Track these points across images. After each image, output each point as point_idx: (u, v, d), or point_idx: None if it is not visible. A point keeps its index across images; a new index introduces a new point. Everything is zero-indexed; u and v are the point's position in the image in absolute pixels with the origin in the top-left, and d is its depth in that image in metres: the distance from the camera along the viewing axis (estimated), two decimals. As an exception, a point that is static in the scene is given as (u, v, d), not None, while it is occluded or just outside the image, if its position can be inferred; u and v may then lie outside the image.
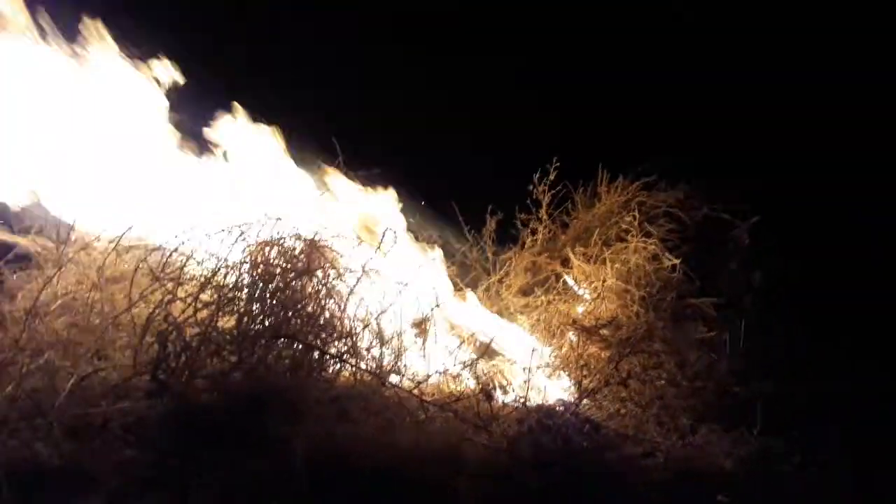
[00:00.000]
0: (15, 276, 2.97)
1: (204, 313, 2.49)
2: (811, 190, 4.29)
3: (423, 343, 3.00)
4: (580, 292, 3.76)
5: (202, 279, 2.53)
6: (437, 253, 3.74)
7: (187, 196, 3.10)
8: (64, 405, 2.19)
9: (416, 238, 4.27)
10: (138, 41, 3.28)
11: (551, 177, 4.06)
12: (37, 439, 2.06)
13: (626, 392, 3.00)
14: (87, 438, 2.13)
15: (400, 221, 3.68)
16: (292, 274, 2.64)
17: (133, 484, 2.00)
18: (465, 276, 4.23)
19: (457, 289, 3.82)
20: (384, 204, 3.79)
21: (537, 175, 4.09)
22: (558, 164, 4.03)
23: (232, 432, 2.20)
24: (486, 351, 3.02)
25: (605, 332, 3.20)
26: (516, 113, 4.98)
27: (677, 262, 3.66)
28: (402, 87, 4.97)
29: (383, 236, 2.98)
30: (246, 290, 2.58)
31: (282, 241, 2.71)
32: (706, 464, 2.43)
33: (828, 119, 4.48)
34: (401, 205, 3.80)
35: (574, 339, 3.25)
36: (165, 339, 2.32)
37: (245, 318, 2.53)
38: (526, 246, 4.22)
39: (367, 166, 4.51)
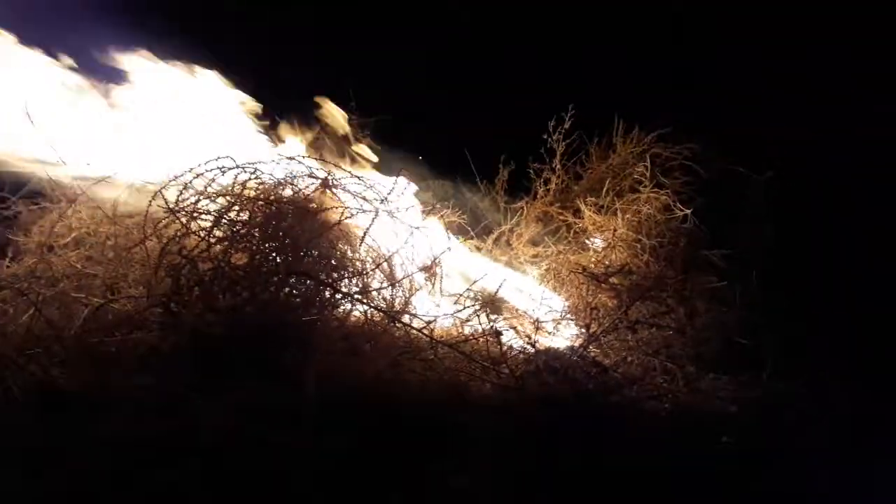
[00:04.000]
0: (29, 211, 2.99)
1: (217, 249, 2.50)
2: (826, 145, 4.24)
3: (433, 286, 3.01)
4: (595, 244, 3.75)
5: (215, 214, 2.53)
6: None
7: (200, 132, 3.09)
8: (79, 334, 2.23)
9: (428, 186, 4.29)
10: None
11: (566, 126, 4.02)
12: (53, 365, 2.11)
13: (633, 340, 3.02)
14: (102, 366, 2.18)
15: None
16: (305, 213, 2.64)
17: (146, 410, 2.04)
18: (476, 225, 4.22)
19: (467, 237, 3.83)
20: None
21: (552, 124, 4.05)
22: (574, 112, 3.98)
23: (243, 365, 2.23)
24: (496, 295, 3.02)
25: (614, 279, 3.20)
26: (531, 60, 4.90)
27: (688, 212, 3.64)
28: (413, 34, 4.89)
29: (396, 180, 2.97)
30: (258, 228, 2.59)
31: (294, 180, 2.71)
32: (711, 408, 2.46)
33: (848, 74, 4.40)
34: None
35: (584, 286, 3.25)
36: (178, 271, 2.34)
37: (258, 255, 2.54)
38: (538, 196, 4.21)
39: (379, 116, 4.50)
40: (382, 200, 2.84)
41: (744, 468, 2.19)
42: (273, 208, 2.62)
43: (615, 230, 3.57)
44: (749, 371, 2.76)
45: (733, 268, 3.55)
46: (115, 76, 3.16)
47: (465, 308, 2.89)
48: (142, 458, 1.88)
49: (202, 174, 2.56)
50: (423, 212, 3.27)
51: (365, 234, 2.71)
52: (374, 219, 2.73)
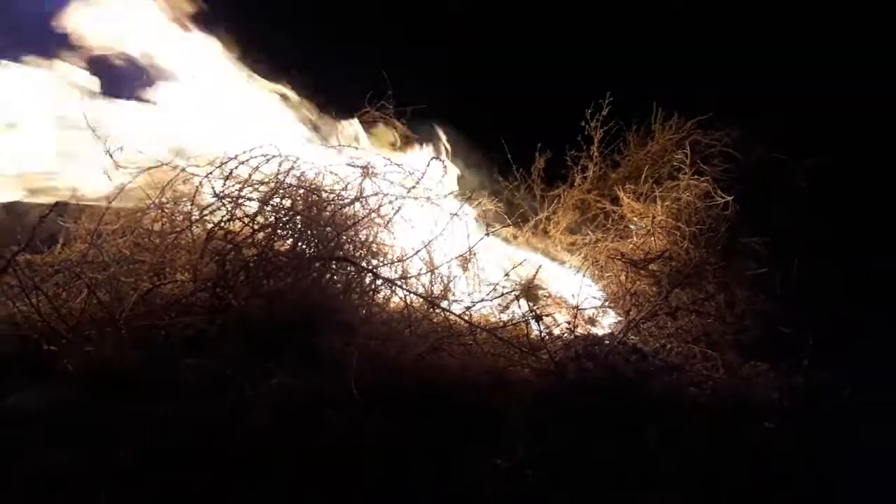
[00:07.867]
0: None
1: (260, 235, 2.55)
2: (868, 131, 4.16)
3: (472, 273, 3.03)
4: (636, 228, 3.72)
5: (259, 200, 2.58)
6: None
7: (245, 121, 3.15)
8: (130, 316, 2.30)
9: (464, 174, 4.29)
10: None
11: (604, 113, 4.00)
12: (106, 346, 2.17)
13: (673, 327, 3.01)
14: (152, 347, 2.24)
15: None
16: (346, 200, 2.69)
17: (195, 391, 2.10)
18: (512, 213, 4.22)
19: (505, 225, 3.83)
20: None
21: (589, 111, 4.03)
22: (612, 99, 3.96)
23: (287, 347, 2.28)
24: (533, 282, 3.03)
25: (654, 266, 3.18)
26: (569, 47, 4.87)
27: (729, 199, 3.59)
28: (449, 22, 4.89)
29: (429, 165, 2.99)
30: (300, 215, 2.63)
31: (334, 169, 2.75)
32: (753, 395, 2.44)
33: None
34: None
35: (623, 274, 3.24)
36: (224, 257, 2.40)
37: (300, 242, 2.59)
38: (575, 184, 4.20)
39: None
40: (420, 188, 2.87)
41: (786, 455, 2.18)
42: (314, 196, 2.67)
43: (654, 217, 3.55)
44: (789, 359, 2.72)
45: (774, 255, 3.50)
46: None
47: (503, 294, 2.90)
48: (190, 436, 1.93)
49: (246, 162, 2.61)
50: (461, 200, 3.29)
51: (393, 216, 2.74)
52: (402, 205, 2.76)
